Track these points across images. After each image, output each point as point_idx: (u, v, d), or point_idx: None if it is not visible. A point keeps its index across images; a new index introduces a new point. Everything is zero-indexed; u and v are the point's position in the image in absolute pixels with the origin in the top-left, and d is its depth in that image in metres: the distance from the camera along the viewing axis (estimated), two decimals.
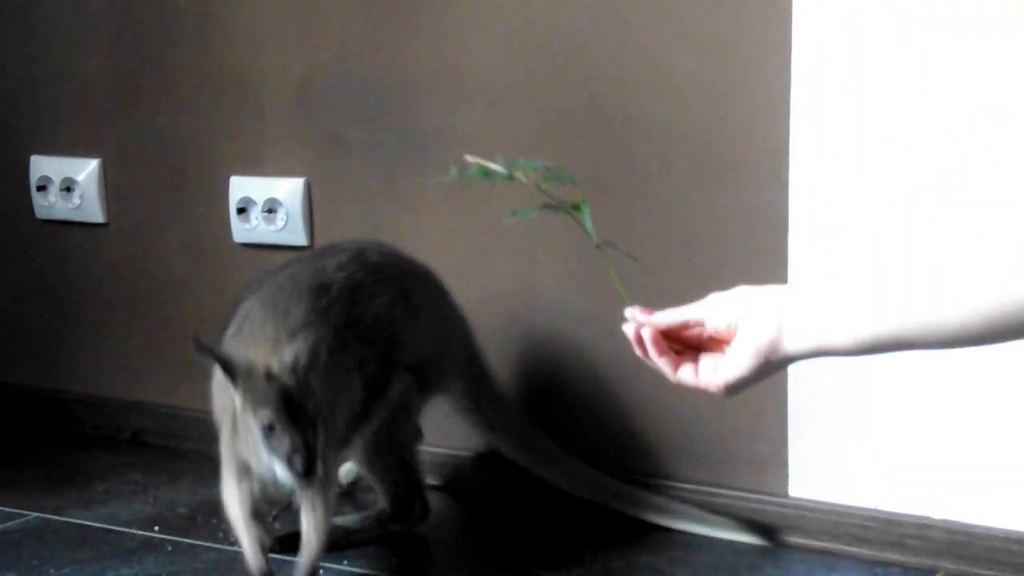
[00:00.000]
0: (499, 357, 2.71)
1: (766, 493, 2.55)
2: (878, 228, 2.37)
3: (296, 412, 2.13)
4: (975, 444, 2.39)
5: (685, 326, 1.66)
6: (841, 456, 2.49)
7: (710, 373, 1.64)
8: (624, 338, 2.50)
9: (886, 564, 2.44)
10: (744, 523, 2.55)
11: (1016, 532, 2.37)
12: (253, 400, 2.13)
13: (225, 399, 2.22)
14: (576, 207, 1.69)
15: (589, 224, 1.68)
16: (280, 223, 2.89)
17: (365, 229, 2.73)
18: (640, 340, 1.66)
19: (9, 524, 2.65)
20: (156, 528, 2.56)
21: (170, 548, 2.46)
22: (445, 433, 2.72)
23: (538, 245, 2.69)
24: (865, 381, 2.44)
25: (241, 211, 2.92)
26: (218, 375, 2.22)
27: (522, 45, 2.65)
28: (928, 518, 2.43)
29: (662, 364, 1.66)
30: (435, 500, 2.60)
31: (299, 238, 2.89)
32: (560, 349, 2.72)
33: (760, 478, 2.56)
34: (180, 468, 2.91)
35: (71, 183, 3.09)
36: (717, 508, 2.57)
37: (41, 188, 3.13)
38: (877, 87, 2.36)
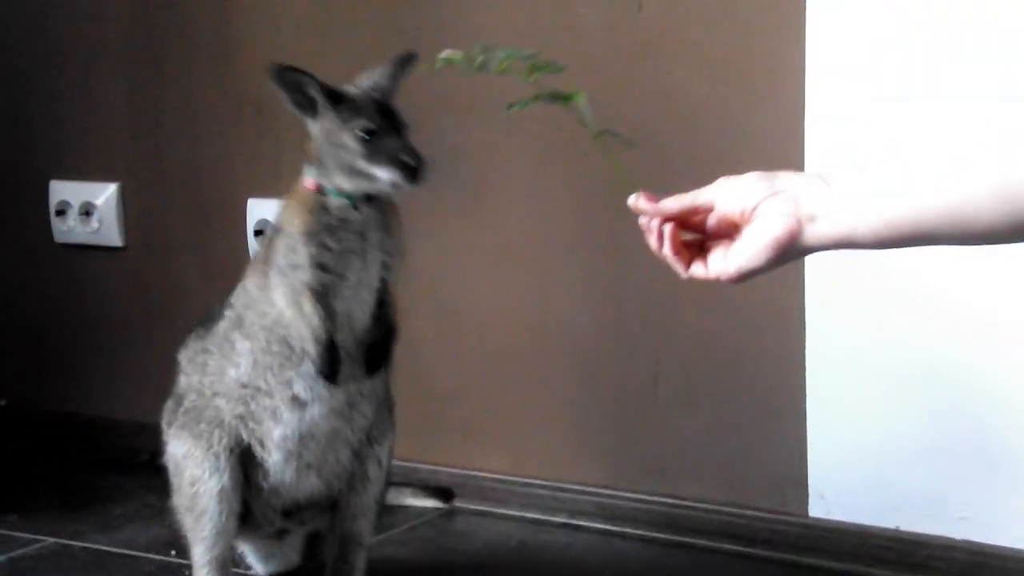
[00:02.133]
0: (515, 374, 2.70)
1: (785, 513, 2.54)
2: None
3: (393, 119, 2.11)
4: (998, 464, 2.37)
5: (694, 211, 1.57)
6: (861, 476, 2.47)
7: (720, 261, 1.56)
8: (639, 353, 2.47)
9: None
10: (422, 488, 2.73)
11: None
12: (345, 116, 2.11)
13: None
14: (570, 97, 1.60)
15: (587, 113, 1.60)
16: None
17: None
18: (660, 235, 1.57)
19: (27, 550, 2.64)
20: (173, 552, 2.55)
21: (187, 572, 2.45)
22: None
23: (549, 271, 2.69)
24: (884, 399, 2.43)
25: (259, 233, 2.91)
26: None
27: None
28: (950, 539, 2.41)
29: (674, 261, 1.58)
30: None
31: None
32: (574, 366, 2.72)
33: (779, 498, 2.54)
34: None
35: (90, 207, 3.10)
36: (725, 526, 2.57)
37: (60, 212, 3.13)
38: (891, 105, 2.35)
